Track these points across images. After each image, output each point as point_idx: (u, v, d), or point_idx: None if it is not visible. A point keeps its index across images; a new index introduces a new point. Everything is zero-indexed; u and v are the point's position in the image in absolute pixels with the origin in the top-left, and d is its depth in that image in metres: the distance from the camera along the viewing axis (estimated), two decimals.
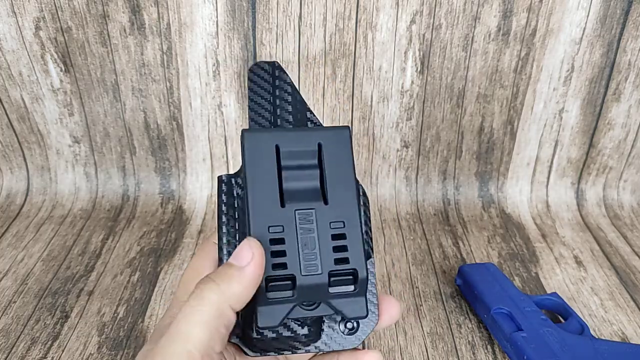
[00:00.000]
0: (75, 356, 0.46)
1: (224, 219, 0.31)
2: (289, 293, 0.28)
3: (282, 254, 0.28)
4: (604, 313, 0.53)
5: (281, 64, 0.64)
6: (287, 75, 0.34)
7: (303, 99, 0.34)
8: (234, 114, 0.68)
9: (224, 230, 0.30)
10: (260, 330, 0.30)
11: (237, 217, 0.31)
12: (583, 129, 0.71)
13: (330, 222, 0.29)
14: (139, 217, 0.67)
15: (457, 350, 0.47)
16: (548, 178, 0.74)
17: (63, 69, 0.65)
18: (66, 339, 0.47)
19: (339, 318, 0.31)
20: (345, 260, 0.28)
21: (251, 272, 0.27)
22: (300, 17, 0.62)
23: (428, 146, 0.71)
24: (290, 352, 0.31)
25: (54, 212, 0.68)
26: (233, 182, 0.31)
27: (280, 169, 0.29)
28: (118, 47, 0.64)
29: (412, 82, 0.67)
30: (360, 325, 0.31)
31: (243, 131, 0.29)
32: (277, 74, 0.34)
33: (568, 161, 0.73)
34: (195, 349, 0.25)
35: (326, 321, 0.31)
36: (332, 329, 0.31)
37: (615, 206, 0.73)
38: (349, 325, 0.31)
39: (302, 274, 0.27)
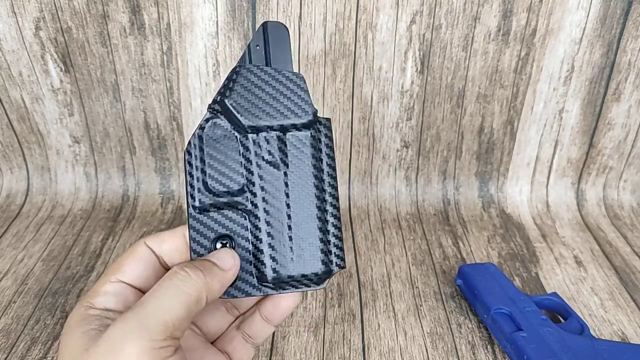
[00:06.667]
0: None
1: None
2: None
3: None
4: (604, 313, 0.53)
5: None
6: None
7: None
8: None
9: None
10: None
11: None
12: (583, 129, 0.71)
13: None
14: (139, 217, 0.67)
15: (457, 350, 0.47)
16: (548, 178, 0.74)
17: (63, 69, 0.65)
18: None
19: None
20: None
21: (231, 277, 0.32)
22: (300, 17, 0.62)
23: (428, 146, 0.71)
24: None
25: (54, 212, 0.68)
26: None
27: None
28: (118, 47, 0.64)
29: (412, 82, 0.67)
30: None
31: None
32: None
33: (568, 161, 0.73)
34: (171, 321, 0.27)
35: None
36: None
37: (615, 206, 0.73)
38: None
39: None
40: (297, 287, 0.34)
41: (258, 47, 0.35)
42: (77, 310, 0.31)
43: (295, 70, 0.39)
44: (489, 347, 0.48)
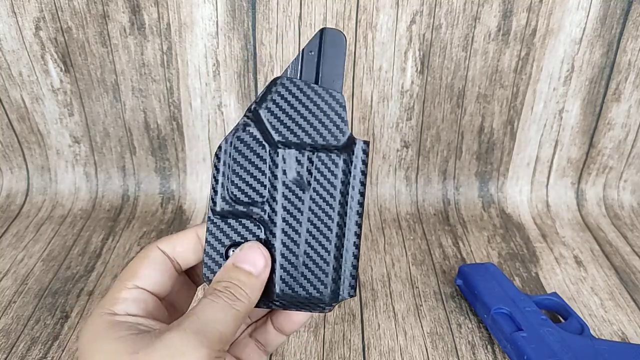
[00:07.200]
0: (75, 356, 0.46)
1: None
2: None
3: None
4: (604, 313, 0.53)
5: (286, 64, 0.64)
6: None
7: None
8: (234, 114, 0.68)
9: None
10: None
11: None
12: (583, 129, 0.71)
13: None
14: (139, 217, 0.67)
15: (457, 350, 0.47)
16: (548, 178, 0.74)
17: (63, 69, 0.65)
18: (66, 339, 0.47)
19: None
20: None
21: (266, 277, 0.32)
22: (300, 17, 0.62)
23: (428, 146, 0.71)
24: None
25: (54, 212, 0.68)
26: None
27: None
28: (118, 47, 0.64)
29: (412, 82, 0.67)
30: None
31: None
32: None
33: (568, 161, 0.73)
34: (224, 333, 0.28)
35: None
36: None
37: (615, 206, 0.73)
38: None
39: None
40: (300, 308, 0.34)
41: (312, 53, 0.34)
42: (97, 318, 0.29)
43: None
44: (489, 347, 0.48)
